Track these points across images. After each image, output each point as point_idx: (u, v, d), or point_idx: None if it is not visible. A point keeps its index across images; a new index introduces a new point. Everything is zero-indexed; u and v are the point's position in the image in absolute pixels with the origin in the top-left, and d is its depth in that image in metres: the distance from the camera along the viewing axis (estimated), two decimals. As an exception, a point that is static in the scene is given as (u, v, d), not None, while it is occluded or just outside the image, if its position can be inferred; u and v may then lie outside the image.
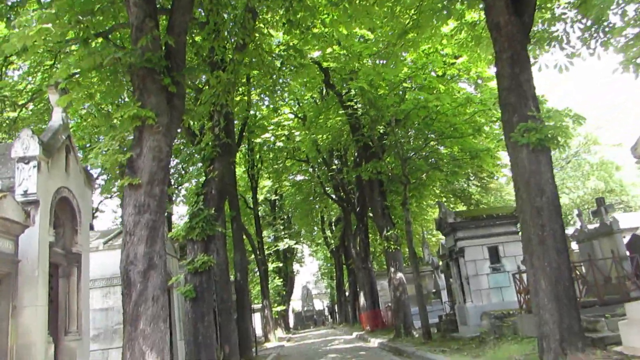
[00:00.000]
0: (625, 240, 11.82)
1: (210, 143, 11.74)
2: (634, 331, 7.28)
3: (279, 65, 11.14)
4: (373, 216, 20.70)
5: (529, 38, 8.73)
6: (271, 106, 26.21)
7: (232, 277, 22.33)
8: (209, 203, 11.49)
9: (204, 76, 11.61)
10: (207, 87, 10.65)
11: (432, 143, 15.45)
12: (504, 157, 17.45)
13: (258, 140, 26.82)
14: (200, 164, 12.21)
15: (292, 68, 10.93)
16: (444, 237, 17.65)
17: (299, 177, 35.14)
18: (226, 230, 16.27)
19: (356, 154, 25.74)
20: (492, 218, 15.28)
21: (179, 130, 11.38)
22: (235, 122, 22.00)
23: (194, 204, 11.36)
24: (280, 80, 16.68)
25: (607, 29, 9.73)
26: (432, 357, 11.38)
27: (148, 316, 6.95)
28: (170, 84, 8.03)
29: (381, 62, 16.29)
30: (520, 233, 7.98)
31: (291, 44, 10.72)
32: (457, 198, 31.07)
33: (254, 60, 10.32)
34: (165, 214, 7.97)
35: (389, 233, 19.55)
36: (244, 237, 32.27)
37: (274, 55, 11.11)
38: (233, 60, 10.00)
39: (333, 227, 42.41)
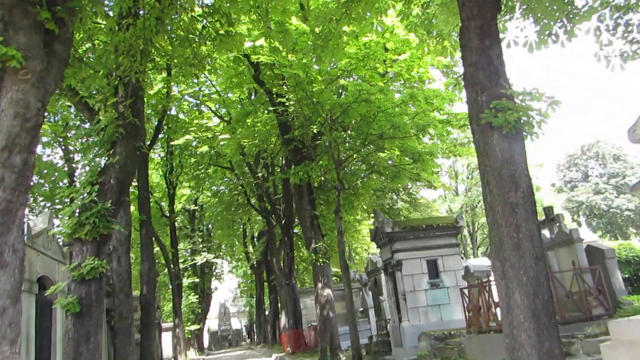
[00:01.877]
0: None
1: (112, 122, 9.56)
2: (621, 354, 5.99)
3: (199, 28, 9.23)
4: (301, 227, 18.98)
5: (500, 6, 7.47)
6: (192, 102, 24.05)
7: (137, 292, 19.71)
8: (106, 195, 9.26)
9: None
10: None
11: (370, 146, 14.02)
12: (443, 163, 16.59)
13: (179, 142, 24.44)
14: (97, 151, 9.95)
15: (216, 36, 9.08)
16: (374, 252, 16.33)
17: (222, 187, 32.87)
18: (130, 234, 13.90)
19: (283, 161, 24.05)
20: (432, 229, 14.04)
21: (58, 91, 9.19)
22: (150, 112, 19.75)
23: (86, 195, 9.10)
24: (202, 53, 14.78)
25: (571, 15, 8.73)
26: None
27: (-15, 336, 4.78)
28: (50, 21, 5.97)
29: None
30: (489, 237, 6.47)
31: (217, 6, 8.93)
32: (385, 214, 30.08)
33: (168, 19, 8.38)
34: (29, 195, 5.81)
35: (317, 245, 17.88)
36: (157, 247, 29.56)
37: (195, 17, 9.21)
38: (143, 14, 8.02)
39: (255, 241, 40.19)
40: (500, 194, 6.52)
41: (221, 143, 26.24)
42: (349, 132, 14.17)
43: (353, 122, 13.86)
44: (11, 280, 5.11)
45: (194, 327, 37.43)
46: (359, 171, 15.30)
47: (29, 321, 9.43)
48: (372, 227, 23.84)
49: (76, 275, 8.81)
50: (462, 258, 15.46)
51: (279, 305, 34.91)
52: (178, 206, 34.24)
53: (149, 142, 18.83)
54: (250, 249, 41.26)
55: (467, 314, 10.17)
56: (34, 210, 17.90)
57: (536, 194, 38.78)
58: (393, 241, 13.87)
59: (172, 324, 30.27)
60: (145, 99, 16.50)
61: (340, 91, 14.17)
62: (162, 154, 29.10)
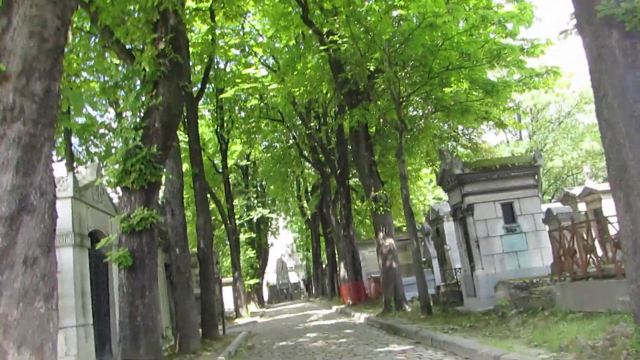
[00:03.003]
0: None
1: (152, 61, 8.70)
2: None
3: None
4: (359, 174, 17.98)
5: None
6: (238, 54, 23.01)
7: (195, 248, 19.48)
8: (151, 139, 8.51)
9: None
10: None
11: (435, 79, 12.57)
12: (514, 99, 14.92)
13: (227, 94, 23.64)
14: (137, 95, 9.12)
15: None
16: (434, 202, 15.05)
17: (274, 142, 32.13)
18: (182, 185, 13.31)
19: (336, 109, 22.84)
20: (507, 169, 12.67)
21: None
22: (196, 61, 18.91)
23: (131, 141, 8.38)
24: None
25: None
26: (448, 339, 8.77)
27: (15, 292, 4.08)
28: None
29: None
30: (606, 161, 5.13)
31: None
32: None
33: None
34: (55, 127, 5.01)
35: (378, 193, 16.86)
36: (213, 204, 29.42)
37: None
38: None
39: (309, 195, 39.63)
40: (623, 107, 5.21)
41: (271, 94, 25.35)
42: (410, 65, 12.76)
43: (414, 55, 12.44)
44: (40, 226, 4.36)
45: (253, 282, 37.72)
46: (423, 108, 13.89)
47: (84, 276, 9.01)
48: (437, 170, 22.53)
49: (126, 227, 8.20)
50: (541, 201, 14.06)
51: (337, 258, 34.54)
52: (230, 162, 33.94)
53: (196, 94, 18.09)
54: (305, 203, 40.84)
55: (560, 258, 8.93)
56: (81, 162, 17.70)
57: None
58: (463, 184, 12.62)
59: (231, 278, 30.40)
60: (189, 43, 15.68)
61: (399, 22, 12.71)
62: (212, 109, 28.49)
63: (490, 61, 11.76)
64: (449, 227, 22.24)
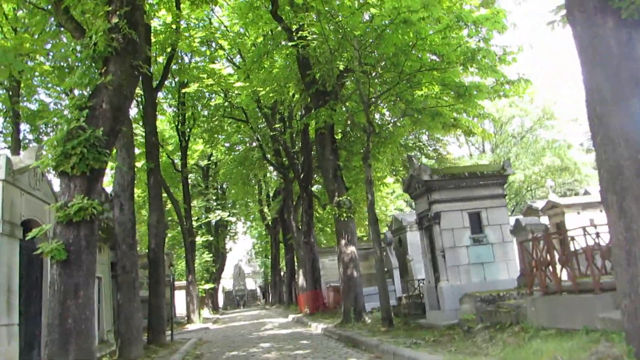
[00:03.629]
0: None
1: (104, 34, 7.84)
2: None
3: None
4: (323, 179, 17.33)
5: None
6: (204, 48, 22.15)
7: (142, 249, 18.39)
8: (97, 121, 7.63)
9: None
10: None
11: (405, 82, 12.02)
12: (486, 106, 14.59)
13: (190, 89, 22.73)
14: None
15: None
16: (400, 210, 14.55)
17: (237, 143, 31.26)
18: (133, 179, 12.38)
19: (302, 110, 22.22)
20: (476, 177, 12.27)
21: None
22: (158, 50, 17.98)
23: (74, 121, 7.48)
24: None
25: None
26: (412, 355, 8.18)
27: None
28: None
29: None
30: (597, 162, 4.63)
31: None
32: (407, 170, 28.17)
33: None
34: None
35: (341, 198, 16.27)
36: (169, 203, 28.24)
37: None
38: None
39: (271, 201, 38.80)
40: (618, 102, 4.74)
41: (236, 92, 24.55)
42: (381, 64, 12.23)
43: (385, 54, 11.91)
44: None
45: (208, 286, 36.51)
46: (393, 111, 13.36)
47: (11, 270, 8.01)
48: (403, 177, 22.12)
49: (62, 217, 7.28)
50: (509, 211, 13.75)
51: (296, 265, 33.76)
52: (191, 162, 32.83)
53: (156, 84, 17.16)
54: (266, 208, 40.00)
55: (531, 271, 8.49)
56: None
57: (567, 152, 36.66)
58: (431, 191, 12.16)
59: (185, 282, 29.20)
60: (147, 21, 14.74)
61: (372, 20, 12.17)
62: (174, 104, 27.44)
63: (464, 63, 11.39)
64: (412, 237, 21.87)
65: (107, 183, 22.34)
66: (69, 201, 7.35)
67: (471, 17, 10.45)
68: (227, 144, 32.48)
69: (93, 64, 7.99)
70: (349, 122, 14.93)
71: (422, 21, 10.34)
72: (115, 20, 8.06)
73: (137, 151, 24.53)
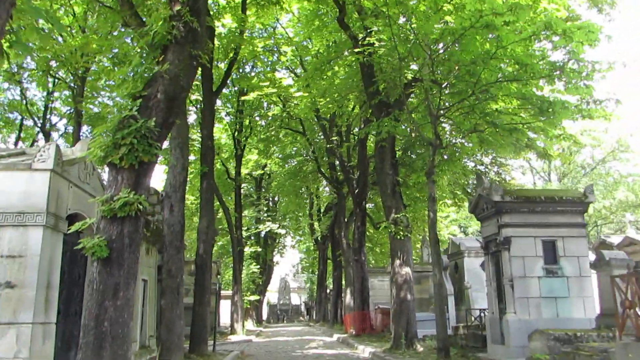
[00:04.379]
0: None
1: (164, 22, 7.44)
2: None
3: None
4: (380, 194, 16.47)
5: None
6: (266, 52, 21.86)
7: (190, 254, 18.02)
8: (150, 111, 7.17)
9: None
10: None
11: (480, 91, 11.01)
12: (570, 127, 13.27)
13: (249, 97, 22.49)
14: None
15: None
16: (453, 235, 13.38)
17: (292, 153, 30.87)
18: (185, 180, 11.97)
19: (362, 124, 21.47)
20: (553, 202, 11.11)
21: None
22: (220, 54, 17.79)
23: (125, 110, 7.05)
24: None
25: None
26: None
27: None
28: None
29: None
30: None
31: None
32: (467, 194, 26.73)
33: None
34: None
35: (399, 215, 15.35)
36: (221, 211, 28.06)
37: None
38: None
39: (322, 216, 38.08)
40: None
41: (294, 102, 24.17)
42: (454, 73, 11.30)
43: (461, 62, 10.99)
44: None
45: (253, 298, 36.00)
46: (463, 125, 12.35)
47: (52, 265, 7.60)
48: (468, 197, 20.88)
49: (106, 211, 6.81)
50: (589, 243, 12.45)
51: (343, 283, 32.78)
52: (244, 171, 32.73)
53: (216, 88, 16.92)
54: (316, 223, 39.34)
55: (624, 311, 7.33)
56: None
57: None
58: (501, 213, 11.08)
59: (231, 292, 28.83)
60: (215, 34, 14.50)
61: (447, 24, 11.32)
62: (232, 112, 27.37)
63: (550, 75, 10.30)
64: (470, 263, 20.64)
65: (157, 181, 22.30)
66: (115, 195, 6.88)
67: (562, 24, 9.41)
68: (281, 156, 32.21)
69: (151, 53, 7.56)
70: (413, 135, 14.04)
71: (505, 27, 9.40)
72: (177, 7, 7.63)
73: (192, 158, 24.73)
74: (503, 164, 24.98)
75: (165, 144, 16.12)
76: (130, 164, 6.92)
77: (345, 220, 28.32)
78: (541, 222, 11.07)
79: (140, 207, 6.89)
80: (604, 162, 34.09)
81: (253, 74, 24.62)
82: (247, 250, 35.19)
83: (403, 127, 14.50)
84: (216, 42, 17.21)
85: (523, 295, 10.69)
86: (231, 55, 17.49)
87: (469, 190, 25.76)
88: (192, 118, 24.96)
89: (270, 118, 27.70)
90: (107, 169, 7.32)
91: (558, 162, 36.49)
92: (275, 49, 22.10)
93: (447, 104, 12.28)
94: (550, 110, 10.86)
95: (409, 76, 13.29)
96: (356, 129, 26.06)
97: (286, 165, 32.46)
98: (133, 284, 6.95)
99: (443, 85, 11.68)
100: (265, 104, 27.48)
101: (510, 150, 15.09)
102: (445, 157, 15.40)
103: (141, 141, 6.88)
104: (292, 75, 25.76)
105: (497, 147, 15.50)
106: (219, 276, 30.15)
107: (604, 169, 34.12)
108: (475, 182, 24.77)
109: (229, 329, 26.34)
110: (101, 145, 7.01)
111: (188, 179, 29.80)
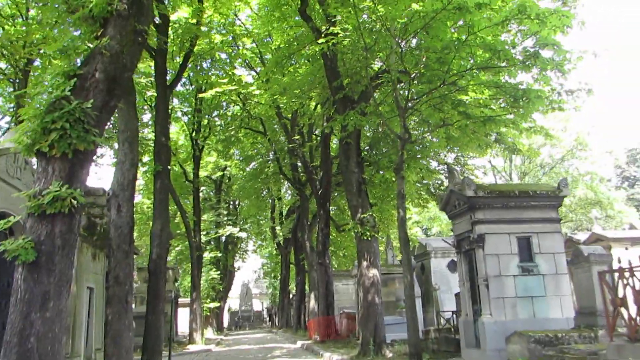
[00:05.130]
0: None
1: (103, -8, 6.49)
2: None
3: None
4: (346, 193, 15.77)
5: None
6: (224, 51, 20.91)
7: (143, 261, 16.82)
8: (87, 93, 6.21)
9: None
10: None
11: (451, 82, 10.45)
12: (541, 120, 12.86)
13: (207, 95, 21.47)
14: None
15: None
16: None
17: (252, 153, 29.85)
18: (135, 177, 10.93)
19: (325, 122, 20.75)
20: (527, 197, 10.64)
21: None
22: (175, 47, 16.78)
23: (56, 90, 6.06)
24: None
25: None
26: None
27: None
28: None
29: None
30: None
31: None
32: (431, 195, 26.29)
33: None
34: None
35: (365, 215, 14.68)
36: (178, 216, 26.81)
37: None
38: None
39: (284, 219, 37.17)
40: None
41: (254, 101, 23.29)
42: (422, 62, 10.66)
43: (430, 49, 10.39)
44: None
45: (213, 305, 34.72)
46: (432, 119, 11.72)
47: (-29, 272, 6.51)
48: (426, 201, 20.37)
49: (33, 207, 5.82)
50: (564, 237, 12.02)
51: (307, 288, 31.96)
52: (204, 174, 31.51)
53: (171, 81, 15.88)
54: (278, 227, 38.40)
55: (614, 310, 6.80)
56: None
57: (600, 187, 34.72)
58: (474, 209, 10.54)
59: (189, 299, 27.56)
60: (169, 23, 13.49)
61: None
62: (189, 112, 26.18)
63: (524, 62, 9.80)
64: (437, 264, 20.19)
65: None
66: (44, 189, 5.88)
67: (536, 8, 8.91)
68: (241, 158, 31.18)
69: (89, 27, 6.59)
70: (380, 130, 13.41)
71: (477, 11, 8.85)
72: (119, -24, 6.69)
73: (147, 159, 23.43)
74: (466, 163, 24.76)
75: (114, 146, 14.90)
76: (62, 152, 5.94)
77: (309, 222, 27.54)
78: (515, 217, 10.58)
79: (75, 202, 5.92)
80: (562, 160, 34.59)
81: (211, 72, 23.60)
82: (207, 255, 33.93)
83: (370, 120, 13.81)
84: (171, 33, 16.20)
85: (499, 296, 10.14)
86: (187, 46, 16.48)
87: (433, 191, 25.44)
88: (146, 117, 23.72)
89: (229, 118, 26.70)
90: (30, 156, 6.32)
91: (519, 161, 36.85)
92: (234, 45, 21.13)
93: (415, 97, 11.66)
94: (525, 99, 10.40)
95: (376, 68, 12.64)
96: (317, 130, 25.38)
97: (247, 169, 31.46)
98: (66, 293, 5.96)
99: (412, 76, 11.04)
100: (224, 104, 26.47)
101: (475, 148, 14.64)
102: (417, 148, 14.77)
103: (75, 126, 5.91)
104: (252, 73, 24.88)
105: (464, 144, 15.04)
106: (176, 283, 28.88)
107: (563, 167, 34.61)
108: (439, 182, 24.52)
109: (187, 338, 25.10)
110: (28, 130, 6.00)
111: (144, 182, 28.78)
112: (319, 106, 22.07)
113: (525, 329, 9.53)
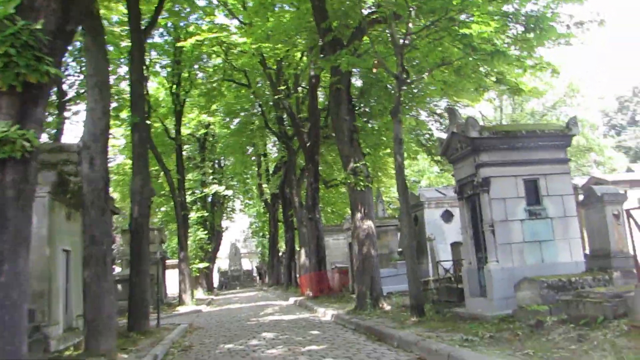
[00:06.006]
0: None
1: None
2: None
3: None
4: (337, 142, 14.93)
5: None
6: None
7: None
8: (37, 14, 5.21)
9: None
10: None
11: (458, 8, 9.43)
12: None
13: (186, 44, 20.20)
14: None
15: None
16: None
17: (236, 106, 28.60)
18: (108, 126, 9.94)
19: (312, 69, 19.65)
20: (535, 137, 9.89)
21: None
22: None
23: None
24: None
25: None
26: (477, 359, 5.89)
27: None
28: None
29: None
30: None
31: None
32: (422, 147, 25.49)
33: None
34: None
35: (357, 164, 13.92)
36: (162, 175, 25.81)
37: None
38: None
39: (270, 176, 36.32)
40: None
41: (237, 50, 22.04)
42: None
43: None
44: None
45: (202, 265, 34.20)
46: (431, 57, 10.73)
47: None
48: (417, 154, 19.53)
49: (-22, 151, 4.88)
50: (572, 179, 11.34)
51: (296, 245, 31.49)
52: (187, 132, 30.34)
53: (146, 25, 14.66)
54: (265, 184, 37.61)
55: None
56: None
57: (589, 134, 34.30)
58: (479, 151, 9.77)
59: (177, 260, 26.92)
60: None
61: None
62: (168, 65, 24.80)
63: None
64: (430, 215, 19.61)
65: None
66: (-10, 128, 4.95)
67: None
68: (225, 115, 29.95)
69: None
70: (374, 70, 12.47)
71: None
72: None
73: (125, 116, 22.21)
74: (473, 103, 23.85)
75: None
76: (9, 85, 4.97)
77: (297, 178, 26.78)
78: (522, 159, 9.85)
79: (28, 145, 5.00)
80: (554, 107, 33.95)
81: (190, 20, 22.16)
82: (194, 215, 33.20)
83: (364, 63, 12.82)
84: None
85: (505, 241, 9.51)
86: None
87: (423, 142, 24.69)
88: (123, 70, 22.33)
89: (211, 69, 25.39)
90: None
91: (510, 110, 36.12)
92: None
93: (413, 33, 10.66)
94: (537, 26, 9.50)
95: (370, 1, 11.58)
96: (304, 82, 24.25)
97: (231, 126, 30.33)
98: (25, 253, 5.11)
99: (410, 9, 10.01)
100: (205, 56, 25.08)
101: (471, 92, 13.79)
102: (414, 91, 13.86)
103: (23, 52, 4.93)
104: (235, 22, 23.49)
105: (459, 89, 14.18)
106: (163, 245, 28.11)
107: (555, 115, 33.99)
108: (429, 135, 23.71)
109: (177, 299, 24.60)
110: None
111: (125, 141, 27.47)
112: (305, 57, 20.95)
113: (533, 274, 8.95)
